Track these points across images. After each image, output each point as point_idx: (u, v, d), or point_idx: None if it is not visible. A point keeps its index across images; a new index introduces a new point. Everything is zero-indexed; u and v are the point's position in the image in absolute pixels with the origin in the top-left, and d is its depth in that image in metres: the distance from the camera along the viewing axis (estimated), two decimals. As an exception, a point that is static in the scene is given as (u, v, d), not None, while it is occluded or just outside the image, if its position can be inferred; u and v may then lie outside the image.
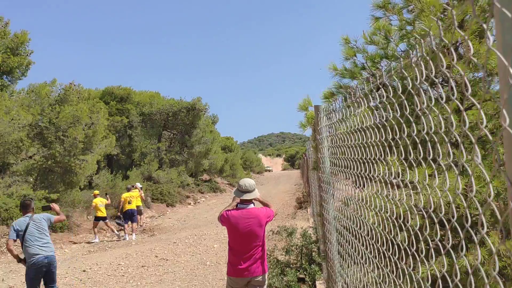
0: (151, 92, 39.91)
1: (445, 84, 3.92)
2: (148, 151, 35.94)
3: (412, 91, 2.09)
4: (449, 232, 1.70)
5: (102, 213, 18.26)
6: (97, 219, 18.31)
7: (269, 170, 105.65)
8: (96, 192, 19.61)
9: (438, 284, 1.73)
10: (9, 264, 13.67)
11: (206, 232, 17.68)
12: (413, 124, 2.01)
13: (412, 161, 2.02)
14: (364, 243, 2.88)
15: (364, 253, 2.88)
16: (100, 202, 18.35)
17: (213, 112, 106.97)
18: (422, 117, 1.90)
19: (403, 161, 2.17)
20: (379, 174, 2.52)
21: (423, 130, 1.88)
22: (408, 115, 2.09)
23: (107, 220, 18.59)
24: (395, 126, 2.19)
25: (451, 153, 1.55)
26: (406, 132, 2.06)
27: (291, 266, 9.07)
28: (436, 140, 1.74)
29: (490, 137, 1.14)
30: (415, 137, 1.96)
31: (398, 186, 2.33)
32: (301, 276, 8.61)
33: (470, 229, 1.49)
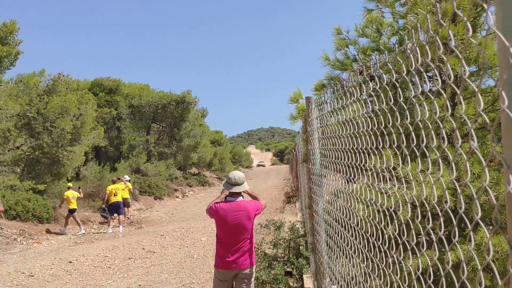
0: (141, 84, 39.74)
1: (436, 78, 3.91)
2: (137, 143, 35.81)
3: (397, 84, 2.07)
4: (442, 223, 1.68)
5: (73, 205, 18.16)
6: (71, 211, 18.21)
7: (262, 165, 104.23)
8: (70, 184, 19.49)
9: (430, 274, 1.71)
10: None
11: (194, 225, 17.64)
12: (406, 113, 1.99)
13: (403, 152, 2.00)
14: (354, 234, 2.86)
15: (354, 244, 2.86)
16: (72, 194, 18.22)
17: (203, 105, 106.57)
18: (412, 109, 1.88)
19: (396, 150, 2.15)
20: (370, 165, 2.50)
21: (412, 122, 1.86)
22: (393, 106, 2.07)
23: (75, 213, 18.40)
24: (388, 115, 2.17)
25: (441, 143, 1.53)
26: (398, 121, 2.04)
27: (278, 259, 9.06)
28: (424, 133, 1.72)
29: (487, 120, 1.12)
30: (399, 127, 1.94)
31: (390, 179, 2.31)
32: (289, 269, 8.61)
33: (456, 222, 1.47)
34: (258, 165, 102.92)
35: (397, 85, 2.11)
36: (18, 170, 19.52)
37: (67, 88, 22.46)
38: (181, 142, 39.08)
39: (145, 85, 39.98)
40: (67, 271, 10.94)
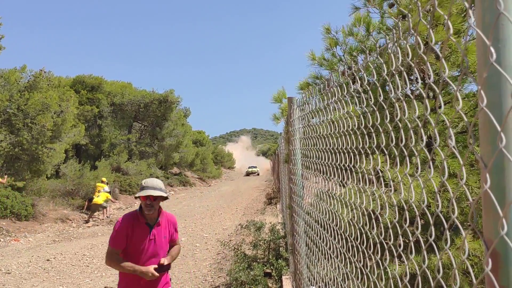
0: (123, 83, 39.53)
1: (417, 81, 3.93)
2: (118, 142, 35.60)
3: (377, 83, 2.07)
4: (425, 229, 1.68)
5: None
6: None
7: (256, 173, 71.02)
8: None
9: (418, 281, 1.71)
10: None
11: (174, 225, 17.55)
12: (386, 113, 1.98)
13: (385, 153, 2.00)
14: (334, 235, 2.86)
15: (334, 245, 2.86)
16: None
17: (186, 105, 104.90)
18: (392, 110, 1.87)
19: (376, 150, 2.14)
20: (351, 165, 2.50)
21: (393, 121, 1.86)
22: (373, 106, 2.07)
23: None
24: (368, 115, 2.16)
25: (420, 143, 1.53)
26: (378, 121, 2.04)
27: (258, 260, 9.05)
28: (403, 134, 1.72)
29: (464, 117, 1.12)
30: (379, 127, 1.94)
31: (372, 181, 2.30)
32: (268, 270, 8.60)
33: (434, 228, 1.47)
34: (249, 173, 71.41)
35: (377, 84, 2.11)
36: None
37: (48, 85, 22.25)
38: (163, 142, 38.93)
39: (127, 83, 39.78)
40: (44, 269, 10.83)
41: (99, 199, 20.37)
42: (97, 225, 19.21)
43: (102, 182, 22.49)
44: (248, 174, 71.43)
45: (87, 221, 20.22)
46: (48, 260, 11.73)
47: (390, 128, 1.84)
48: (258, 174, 70.53)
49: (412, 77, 3.86)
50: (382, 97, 2.09)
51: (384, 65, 1.92)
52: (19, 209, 18.16)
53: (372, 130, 2.19)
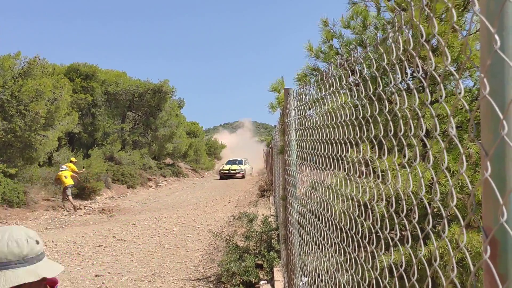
0: (118, 72, 39.32)
1: (415, 76, 3.93)
2: (111, 131, 35.51)
3: (377, 73, 2.07)
4: (411, 221, 1.68)
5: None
6: None
7: (239, 173, 43.35)
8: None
9: (414, 270, 1.72)
10: None
11: (166, 215, 17.58)
12: (384, 104, 1.98)
13: (381, 143, 2.00)
14: (328, 225, 2.86)
15: (328, 236, 2.86)
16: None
17: (180, 96, 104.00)
18: (390, 100, 1.87)
19: (373, 140, 2.14)
20: (346, 156, 2.50)
21: (390, 114, 1.86)
22: (372, 96, 2.07)
23: None
24: (366, 106, 2.16)
25: (420, 133, 1.53)
26: (375, 112, 2.04)
27: (250, 252, 9.07)
28: (402, 123, 1.72)
29: (466, 106, 1.12)
30: (378, 117, 1.93)
31: (365, 173, 2.30)
32: (259, 262, 8.63)
33: (423, 220, 1.47)
34: (225, 174, 43.30)
35: (377, 74, 2.11)
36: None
37: (42, 72, 22.13)
38: (156, 132, 38.84)
39: (122, 72, 39.55)
40: (35, 256, 10.80)
41: (66, 180, 20.68)
42: (89, 214, 19.22)
43: (71, 162, 22.99)
44: (224, 174, 42.91)
45: (79, 208, 20.26)
46: (39, 247, 11.70)
47: (378, 120, 1.84)
48: (242, 176, 42.81)
49: (408, 70, 3.86)
50: (378, 88, 2.09)
51: (384, 54, 1.91)
52: (11, 196, 18.11)
53: (363, 123, 2.19)
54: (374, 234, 2.19)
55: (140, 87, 37.37)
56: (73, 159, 23.61)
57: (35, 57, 21.83)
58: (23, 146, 20.43)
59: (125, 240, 12.74)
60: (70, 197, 20.63)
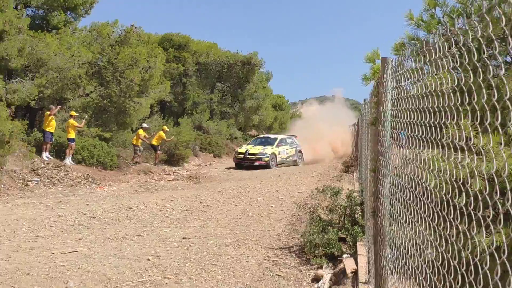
0: (209, 43, 39.95)
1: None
2: (201, 101, 36.32)
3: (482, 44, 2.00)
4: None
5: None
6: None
7: (261, 160, 26.67)
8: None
9: (504, 250, 1.68)
10: (59, 195, 14.22)
11: (251, 185, 17.80)
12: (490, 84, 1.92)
13: (481, 126, 1.94)
14: (421, 202, 2.82)
15: (417, 212, 2.83)
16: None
17: (268, 69, 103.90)
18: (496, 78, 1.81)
19: (477, 125, 2.08)
20: (447, 135, 2.43)
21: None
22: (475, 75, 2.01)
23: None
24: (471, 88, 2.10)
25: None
26: (483, 96, 1.98)
27: (333, 225, 9.06)
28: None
29: None
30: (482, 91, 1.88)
31: (464, 150, 2.24)
32: (342, 235, 8.60)
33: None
34: (240, 160, 27.07)
35: (482, 42, 2.04)
36: (86, 116, 20.13)
37: (138, 41, 22.92)
38: (243, 103, 39.29)
39: (213, 43, 40.15)
40: (127, 216, 11.34)
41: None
42: (177, 180, 19.85)
43: (163, 130, 24.12)
44: (239, 161, 27.44)
45: (167, 174, 21.18)
46: (130, 208, 12.25)
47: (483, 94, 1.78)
48: (266, 164, 26.82)
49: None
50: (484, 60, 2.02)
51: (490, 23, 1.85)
52: (105, 158, 19.00)
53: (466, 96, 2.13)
54: (467, 214, 2.14)
55: (229, 58, 37.83)
56: (165, 127, 24.46)
57: (132, 25, 22.60)
58: (117, 111, 21.32)
59: (211, 206, 13.06)
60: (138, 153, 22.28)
